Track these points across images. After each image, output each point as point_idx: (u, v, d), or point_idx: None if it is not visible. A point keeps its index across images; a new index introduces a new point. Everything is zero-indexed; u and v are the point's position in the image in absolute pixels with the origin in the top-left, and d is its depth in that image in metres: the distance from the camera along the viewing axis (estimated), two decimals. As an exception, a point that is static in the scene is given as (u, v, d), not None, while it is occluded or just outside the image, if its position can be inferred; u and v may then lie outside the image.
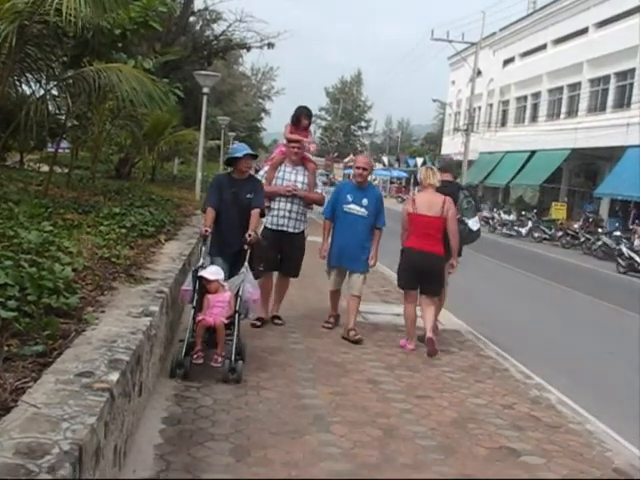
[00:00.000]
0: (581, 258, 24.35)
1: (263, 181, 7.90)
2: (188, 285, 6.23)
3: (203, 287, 6.18)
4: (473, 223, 8.26)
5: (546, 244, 29.05)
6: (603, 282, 18.14)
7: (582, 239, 26.82)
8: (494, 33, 46.28)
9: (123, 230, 8.32)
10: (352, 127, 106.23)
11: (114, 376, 3.47)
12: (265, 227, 8.03)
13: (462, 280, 13.56)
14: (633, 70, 31.09)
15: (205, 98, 19.76)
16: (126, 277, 6.01)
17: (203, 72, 20.76)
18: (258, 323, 7.89)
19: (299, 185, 8.10)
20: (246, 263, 6.52)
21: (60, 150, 16.08)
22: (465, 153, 42.80)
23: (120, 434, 3.73)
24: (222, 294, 6.17)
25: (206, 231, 6.64)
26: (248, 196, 6.96)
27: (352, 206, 7.88)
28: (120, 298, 5.26)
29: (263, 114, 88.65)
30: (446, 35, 43.11)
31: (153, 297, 5.46)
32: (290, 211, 8.05)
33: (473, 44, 43.52)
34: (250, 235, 6.62)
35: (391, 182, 76.79)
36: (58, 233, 6.89)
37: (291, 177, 8.12)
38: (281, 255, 8.08)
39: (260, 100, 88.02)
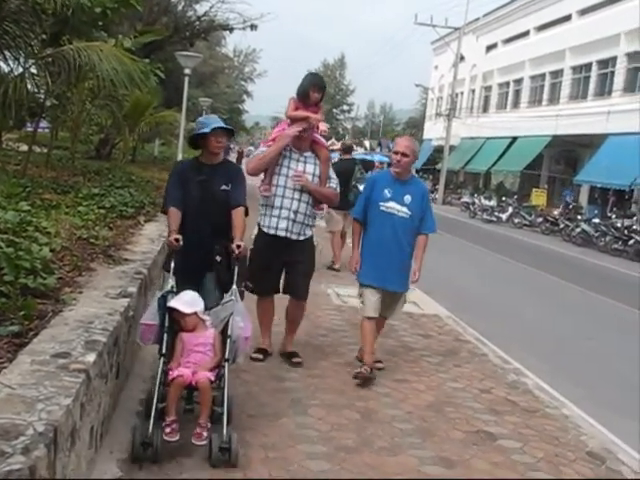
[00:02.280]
0: (560, 244, 24.54)
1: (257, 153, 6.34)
2: (152, 318, 4.48)
3: (175, 323, 4.51)
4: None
5: (526, 230, 29.23)
6: (581, 269, 18.29)
7: (562, 226, 26.99)
8: (477, 19, 46.24)
9: (102, 211, 8.26)
10: (334, 111, 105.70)
11: (91, 357, 3.45)
12: (261, 231, 6.18)
13: (442, 265, 13.67)
14: (615, 58, 31.24)
15: (187, 79, 19.62)
16: (104, 258, 5.97)
17: (185, 53, 20.61)
18: (260, 356, 6.17)
19: (308, 178, 6.13)
20: (234, 286, 4.71)
21: (39, 130, 15.90)
22: (447, 138, 42.93)
23: (97, 415, 3.71)
24: (203, 333, 4.50)
25: (177, 240, 4.75)
26: (223, 188, 5.07)
27: (391, 204, 6.11)
28: (98, 279, 5.23)
29: (245, 96, 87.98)
30: (430, 20, 43.15)
31: (131, 278, 5.43)
32: (296, 211, 6.05)
33: (456, 29, 43.62)
34: (239, 246, 4.82)
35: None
36: (36, 213, 6.81)
37: (298, 167, 6.12)
38: (285, 269, 6.24)
39: (242, 82, 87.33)
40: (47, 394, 2.91)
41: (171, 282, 4.70)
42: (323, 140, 6.45)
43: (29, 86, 11.32)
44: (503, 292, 12.87)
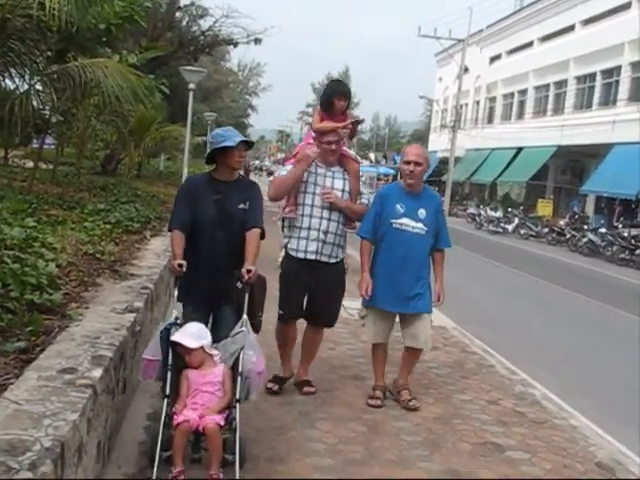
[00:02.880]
0: (567, 255, 24.46)
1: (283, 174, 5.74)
2: (154, 353, 4.16)
3: (180, 358, 4.11)
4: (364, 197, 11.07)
5: (532, 241, 29.16)
6: (589, 279, 18.23)
7: (568, 236, 26.91)
8: (481, 30, 46.35)
9: (108, 226, 8.30)
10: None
11: (97, 372, 3.46)
12: (288, 254, 5.65)
13: (448, 277, 13.59)
14: (619, 67, 31.25)
15: (191, 94, 19.70)
16: (110, 273, 5.99)
17: (189, 68, 20.71)
18: (275, 387, 5.68)
19: (337, 194, 5.63)
20: (245, 316, 4.33)
21: (45, 146, 15.97)
22: (452, 150, 42.92)
23: (104, 431, 3.71)
24: (211, 370, 4.10)
25: (180, 266, 4.33)
26: (241, 207, 4.62)
27: (405, 221, 5.58)
28: (104, 294, 5.24)
29: (250, 110, 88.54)
30: (433, 32, 43.26)
31: (137, 293, 5.45)
32: (326, 232, 5.54)
33: (460, 41, 43.66)
34: (249, 271, 4.38)
35: (378, 179, 76.78)
36: (42, 229, 6.85)
37: (326, 183, 5.62)
38: (310, 295, 5.69)
39: (247, 96, 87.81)
40: (54, 410, 2.92)
41: (175, 312, 4.33)
42: (352, 152, 5.96)
43: (35, 103, 11.42)
44: (510, 303, 12.83)
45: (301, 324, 5.96)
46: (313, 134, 5.74)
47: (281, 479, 4.06)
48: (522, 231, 30.64)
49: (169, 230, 4.71)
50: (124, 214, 9.44)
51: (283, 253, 5.72)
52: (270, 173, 46.64)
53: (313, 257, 5.57)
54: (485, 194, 44.79)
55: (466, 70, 44.39)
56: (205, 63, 36.05)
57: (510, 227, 31.30)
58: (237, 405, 3.99)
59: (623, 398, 7.20)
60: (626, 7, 30.96)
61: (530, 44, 40.57)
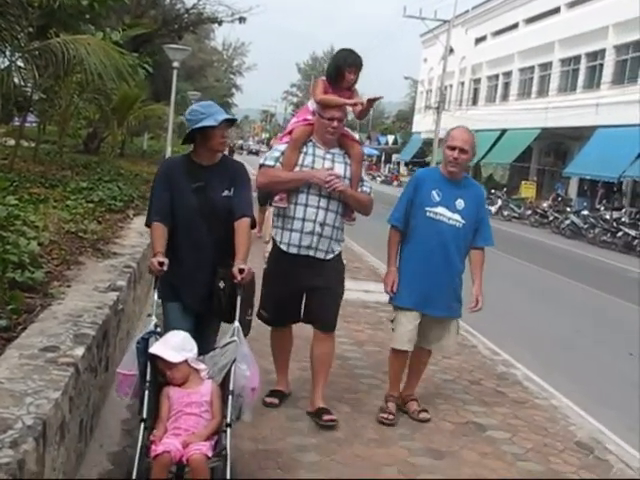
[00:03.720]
0: (549, 237, 24.62)
1: (277, 167, 4.83)
2: (130, 367, 3.54)
3: (160, 374, 3.51)
4: None
5: (515, 222, 29.30)
6: (571, 261, 18.37)
7: (551, 218, 27.09)
8: (467, 11, 46.25)
9: (91, 205, 8.24)
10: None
11: (79, 351, 3.45)
12: (278, 249, 4.86)
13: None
14: (603, 51, 31.34)
15: (175, 72, 19.58)
16: (93, 252, 5.96)
17: (173, 46, 20.56)
18: (275, 401, 5.05)
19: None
20: (236, 323, 3.74)
21: (27, 124, 15.81)
22: (436, 131, 42.87)
23: (86, 409, 3.71)
24: (197, 388, 3.49)
25: (160, 264, 3.80)
26: (225, 194, 4.06)
27: (440, 210, 4.93)
28: (87, 273, 5.22)
29: (234, 90, 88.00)
30: (419, 12, 43.11)
31: (120, 272, 5.43)
32: (323, 224, 4.76)
33: (446, 22, 43.56)
34: (242, 270, 3.82)
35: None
36: (24, 207, 6.79)
37: (325, 166, 4.81)
38: (307, 294, 4.94)
39: (231, 76, 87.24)
40: (36, 388, 2.91)
41: (154, 319, 3.70)
42: (353, 134, 5.17)
43: (16, 80, 11.25)
44: (492, 285, 12.80)
45: (300, 328, 5.33)
46: (311, 107, 4.89)
47: (279, 479, 4.06)
48: (505, 213, 30.79)
49: (147, 225, 4.12)
50: (107, 193, 9.38)
51: (270, 247, 4.98)
52: (251, 152, 45.92)
53: (308, 252, 4.78)
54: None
55: (451, 51, 44.30)
56: (189, 41, 35.73)
57: (493, 209, 31.40)
58: (228, 430, 3.37)
59: (604, 379, 7.29)
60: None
61: (515, 26, 40.53)
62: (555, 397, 6.19)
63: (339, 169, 4.81)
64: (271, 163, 4.84)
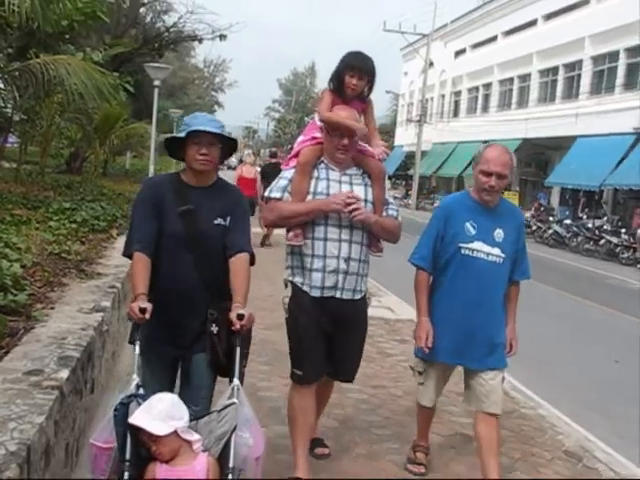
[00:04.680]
0: (533, 246, 24.72)
1: (286, 198, 4.07)
2: (107, 439, 2.89)
3: (143, 447, 2.86)
4: None
5: (499, 233, 29.39)
6: (554, 269, 18.46)
7: (534, 228, 27.23)
8: (445, 25, 46.63)
9: (74, 225, 8.21)
10: (305, 119, 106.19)
11: (64, 373, 3.42)
12: (299, 292, 4.08)
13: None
14: (581, 61, 31.68)
15: (156, 91, 19.56)
16: (77, 273, 5.93)
17: (154, 64, 20.54)
18: None
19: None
20: (236, 380, 3.10)
21: (8, 144, 15.76)
22: (418, 144, 43.18)
23: (72, 432, 3.67)
24: (189, 463, 2.85)
25: (143, 311, 3.11)
26: (218, 222, 3.47)
27: (477, 245, 4.17)
28: (71, 294, 5.19)
29: (216, 107, 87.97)
30: (398, 27, 43.44)
31: (105, 292, 5.40)
32: (348, 258, 4.04)
33: (425, 35, 43.91)
34: (241, 316, 3.19)
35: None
36: (6, 229, 6.75)
37: (342, 190, 4.05)
38: (329, 344, 4.17)
39: (213, 93, 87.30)
40: (19, 412, 2.88)
41: (136, 378, 3.05)
42: (371, 149, 4.21)
43: (-4, 101, 11.24)
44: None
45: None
46: (319, 122, 4.15)
47: (279, 479, 4.04)
48: (489, 224, 30.85)
49: (126, 254, 3.46)
50: (90, 213, 9.36)
51: (289, 292, 4.16)
52: (230, 167, 45.33)
53: (333, 294, 4.05)
54: (452, 187, 45.10)
55: (431, 64, 44.68)
56: (170, 60, 35.83)
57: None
58: None
59: (590, 387, 7.32)
60: (585, 2, 31.46)
61: (494, 38, 40.91)
62: (542, 406, 6.21)
63: (359, 192, 4.05)
64: (278, 195, 4.06)
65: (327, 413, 5.31)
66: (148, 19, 34.02)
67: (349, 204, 3.91)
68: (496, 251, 4.17)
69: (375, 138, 4.23)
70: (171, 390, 3.42)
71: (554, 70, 34.48)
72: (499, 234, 4.20)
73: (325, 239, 4.01)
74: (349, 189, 4.03)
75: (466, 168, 38.97)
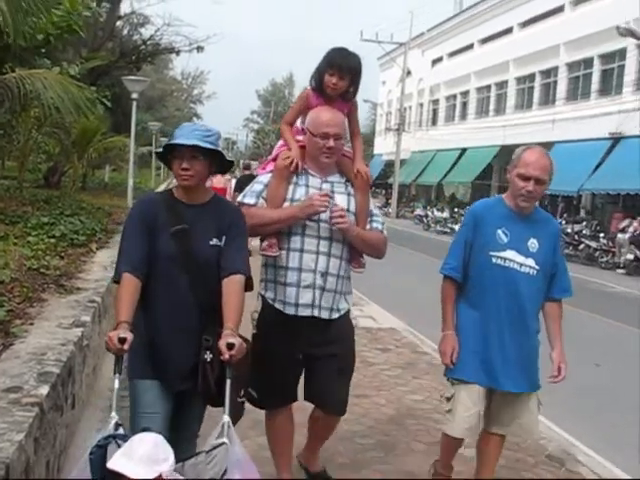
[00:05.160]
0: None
1: (260, 204, 3.75)
2: None
3: None
4: None
5: (479, 240, 29.54)
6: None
7: (514, 234, 27.37)
8: (422, 33, 46.98)
9: (52, 240, 8.15)
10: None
11: (44, 390, 3.39)
12: (271, 308, 3.77)
13: (397, 278, 13.75)
14: (556, 68, 32.07)
15: (134, 104, 19.54)
16: (56, 288, 5.88)
17: (132, 77, 20.53)
18: None
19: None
20: (226, 417, 2.83)
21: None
22: (397, 152, 43.39)
23: (52, 449, 3.64)
24: None
25: (122, 342, 2.87)
26: (213, 242, 3.23)
27: (510, 254, 3.82)
28: (50, 309, 5.15)
29: (195, 119, 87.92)
30: (375, 36, 43.71)
31: (84, 307, 5.36)
32: (325, 273, 3.71)
33: (402, 44, 44.20)
34: (232, 345, 2.94)
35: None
36: (-17, 245, 6.69)
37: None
38: (306, 370, 3.94)
39: (192, 104, 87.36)
40: (-1, 430, 2.85)
41: (114, 417, 2.76)
42: (350, 151, 3.92)
43: (-28, 116, 11.17)
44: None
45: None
46: (301, 124, 3.85)
47: (279, 479, 4.03)
48: (469, 231, 31.03)
49: (115, 279, 3.16)
50: (69, 227, 9.29)
51: (260, 306, 3.83)
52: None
53: (308, 312, 3.68)
54: (432, 195, 45.36)
55: (409, 73, 44.98)
56: (148, 72, 35.75)
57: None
58: None
59: (571, 391, 7.34)
60: (560, 10, 31.87)
61: (471, 46, 41.29)
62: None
63: (341, 201, 3.72)
64: (251, 201, 3.73)
65: (306, 423, 5.30)
66: (125, 32, 34.02)
67: (334, 216, 3.60)
68: (530, 262, 3.83)
69: (359, 142, 3.93)
70: (169, 418, 3.20)
71: (530, 77, 34.86)
72: (533, 244, 3.86)
73: (301, 250, 3.67)
74: (331, 198, 3.66)
75: (445, 176, 39.26)
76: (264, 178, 3.79)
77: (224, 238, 3.23)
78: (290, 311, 3.69)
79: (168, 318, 3.18)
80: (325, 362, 3.82)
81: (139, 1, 29.61)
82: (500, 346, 3.82)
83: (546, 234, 3.92)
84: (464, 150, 38.50)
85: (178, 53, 29.92)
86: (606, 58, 29.09)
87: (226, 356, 2.92)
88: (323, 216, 3.64)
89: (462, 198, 40.09)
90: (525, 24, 35.13)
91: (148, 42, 30.10)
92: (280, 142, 3.93)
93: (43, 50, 11.64)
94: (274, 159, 3.81)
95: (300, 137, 3.81)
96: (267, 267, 3.79)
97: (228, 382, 2.95)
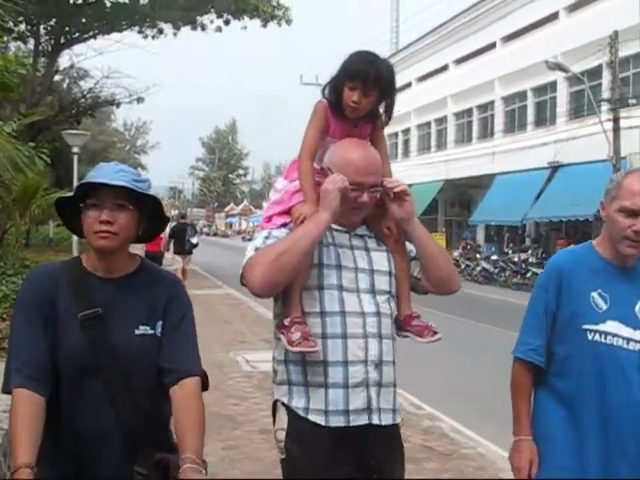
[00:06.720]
0: (464, 284, 24.62)
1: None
2: None
3: None
4: (194, 239, 17.45)
5: (429, 274, 29.79)
6: (483, 306, 18.77)
7: (463, 266, 27.71)
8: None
9: (-6, 302, 7.96)
10: (230, 176, 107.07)
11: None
12: (303, 420, 2.50)
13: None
14: (492, 102, 32.96)
15: (76, 157, 19.38)
16: (-2, 351, 5.72)
17: (72, 131, 20.40)
18: None
19: (383, 280, 2.67)
20: None
21: None
22: (344, 192, 43.70)
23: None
24: None
25: None
26: (142, 331, 2.25)
27: (612, 326, 2.69)
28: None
29: (140, 169, 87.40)
30: (315, 79, 44.37)
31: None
32: (380, 362, 2.61)
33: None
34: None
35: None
36: None
37: (358, 264, 2.60)
38: None
39: (136, 155, 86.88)
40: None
41: None
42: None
43: None
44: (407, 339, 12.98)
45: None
46: (318, 164, 2.67)
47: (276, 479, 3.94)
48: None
49: (5, 390, 2.14)
50: (11, 287, 9.11)
51: (285, 421, 2.56)
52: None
53: (365, 420, 2.53)
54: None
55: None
56: (89, 125, 35.57)
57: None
58: None
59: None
60: (492, 46, 32.92)
61: (409, 85, 42.12)
62: (481, 445, 6.24)
63: (380, 261, 2.69)
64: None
65: (267, 472, 5.22)
66: (64, 86, 33.87)
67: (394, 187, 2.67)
68: (638, 336, 2.70)
69: (388, 174, 2.82)
70: None
71: (468, 112, 35.73)
72: None
73: (344, 336, 2.52)
74: (366, 258, 2.65)
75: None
76: (278, 232, 2.58)
77: (159, 324, 2.28)
78: (339, 422, 2.50)
79: (82, 444, 2.20)
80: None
81: (78, 55, 29.40)
82: (604, 460, 2.65)
83: None
84: (409, 186, 38.84)
85: (118, 105, 29.91)
86: (539, 91, 30.07)
87: None
88: (362, 284, 2.60)
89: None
90: (460, 61, 36.09)
91: (87, 95, 30.02)
92: (283, 182, 2.78)
93: (-22, 108, 11.51)
94: (287, 212, 2.64)
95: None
96: (288, 364, 2.57)
97: None
